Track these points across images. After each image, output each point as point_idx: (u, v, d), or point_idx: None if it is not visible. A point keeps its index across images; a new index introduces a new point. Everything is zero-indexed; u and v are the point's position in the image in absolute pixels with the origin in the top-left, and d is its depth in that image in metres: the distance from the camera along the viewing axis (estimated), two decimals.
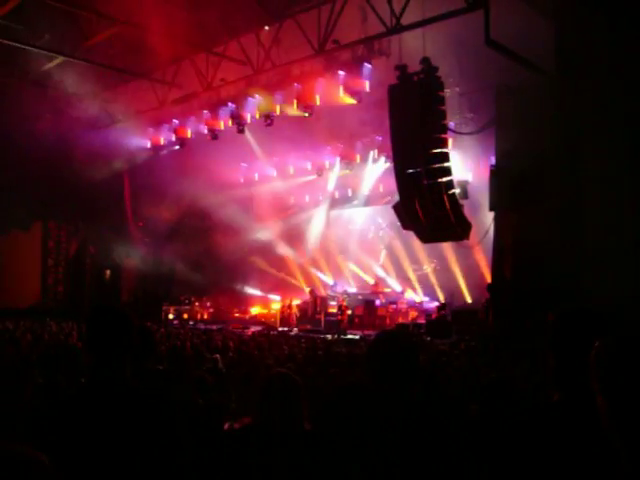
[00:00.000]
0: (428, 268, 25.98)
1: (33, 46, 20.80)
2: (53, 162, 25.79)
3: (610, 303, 13.66)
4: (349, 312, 24.47)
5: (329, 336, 20.62)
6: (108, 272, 31.74)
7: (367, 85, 19.05)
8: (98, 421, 2.75)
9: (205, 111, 23.70)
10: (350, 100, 19.63)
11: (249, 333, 20.37)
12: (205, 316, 30.24)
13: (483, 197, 19.82)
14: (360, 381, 3.25)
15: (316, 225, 30.02)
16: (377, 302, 25.46)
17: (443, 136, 17.81)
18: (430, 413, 2.92)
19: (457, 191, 18.75)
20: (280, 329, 24.65)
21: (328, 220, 30.18)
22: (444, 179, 17.68)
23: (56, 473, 1.94)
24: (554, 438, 2.27)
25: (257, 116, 22.30)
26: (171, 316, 29.41)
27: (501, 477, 2.39)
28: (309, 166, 28.48)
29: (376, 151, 26.03)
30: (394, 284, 27.60)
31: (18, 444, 1.86)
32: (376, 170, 26.94)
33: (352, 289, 28.29)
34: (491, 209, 19.01)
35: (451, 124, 19.45)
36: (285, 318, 26.38)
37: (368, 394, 2.90)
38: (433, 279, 26.42)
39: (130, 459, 2.71)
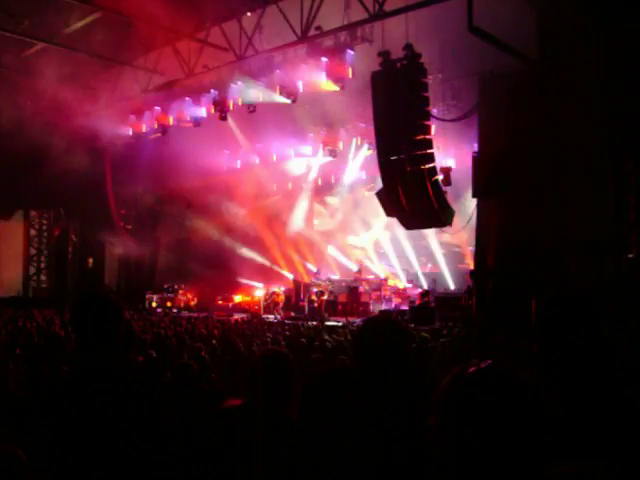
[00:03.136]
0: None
1: (12, 32, 20.55)
2: (34, 150, 25.55)
3: (593, 289, 13.77)
4: (324, 297, 24.55)
5: (310, 323, 20.69)
6: (91, 260, 31.56)
7: (350, 72, 18.98)
8: (83, 409, 2.73)
9: (187, 98, 23.56)
10: (333, 87, 19.58)
11: (232, 321, 20.35)
12: (189, 304, 30.19)
13: (466, 184, 19.88)
14: (344, 367, 3.25)
15: (299, 212, 29.99)
16: (360, 289, 25.49)
17: (426, 123, 17.81)
18: (415, 399, 2.92)
19: (440, 178, 18.79)
20: (264, 316, 24.67)
21: (311, 207, 30.15)
22: (427, 166, 17.68)
23: (31, 468, 1.93)
24: (541, 424, 2.28)
25: (240, 103, 22.20)
26: (154, 304, 29.36)
27: (486, 462, 2.39)
28: (292, 153, 28.42)
29: (359, 138, 26.03)
30: (377, 271, 27.70)
31: None
32: (359, 157, 26.94)
33: (335, 276, 28.33)
34: (474, 196, 19.06)
35: (434, 111, 19.44)
36: (269, 306, 26.43)
37: (352, 379, 2.90)
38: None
39: (115, 447, 2.69)
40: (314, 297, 24.85)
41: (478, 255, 19.18)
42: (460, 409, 1.60)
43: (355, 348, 3.03)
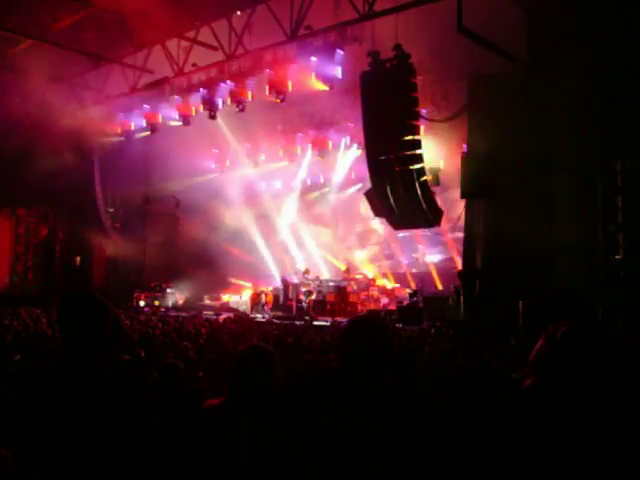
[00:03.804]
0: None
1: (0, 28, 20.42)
2: (21, 148, 25.41)
3: (580, 290, 13.81)
4: (312, 297, 24.55)
5: (298, 323, 20.68)
6: (78, 259, 31.40)
7: (339, 71, 18.99)
8: (69, 408, 2.72)
9: (176, 97, 23.52)
10: (322, 86, 19.58)
11: (220, 320, 20.31)
12: (177, 303, 30.09)
13: (455, 184, 19.91)
14: (330, 366, 3.24)
15: (288, 211, 30.00)
16: (349, 288, 25.48)
17: (415, 123, 17.83)
18: (401, 399, 2.92)
19: (429, 178, 18.81)
20: (252, 316, 24.64)
21: (300, 207, 30.14)
22: (416, 166, 17.71)
23: (18, 468, 1.92)
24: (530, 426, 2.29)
25: (229, 102, 22.17)
26: (142, 303, 29.23)
27: (474, 463, 2.40)
28: (281, 152, 28.39)
29: (348, 138, 26.03)
30: (366, 270, 27.72)
31: None
32: (348, 157, 26.96)
33: (324, 275, 28.32)
34: (462, 196, 19.09)
35: (423, 111, 19.45)
36: (257, 306, 26.38)
37: (338, 379, 2.89)
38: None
39: (100, 447, 2.68)
40: (302, 297, 24.85)
41: (466, 255, 19.22)
42: (557, 368, 1.62)
43: (340, 347, 3.01)
